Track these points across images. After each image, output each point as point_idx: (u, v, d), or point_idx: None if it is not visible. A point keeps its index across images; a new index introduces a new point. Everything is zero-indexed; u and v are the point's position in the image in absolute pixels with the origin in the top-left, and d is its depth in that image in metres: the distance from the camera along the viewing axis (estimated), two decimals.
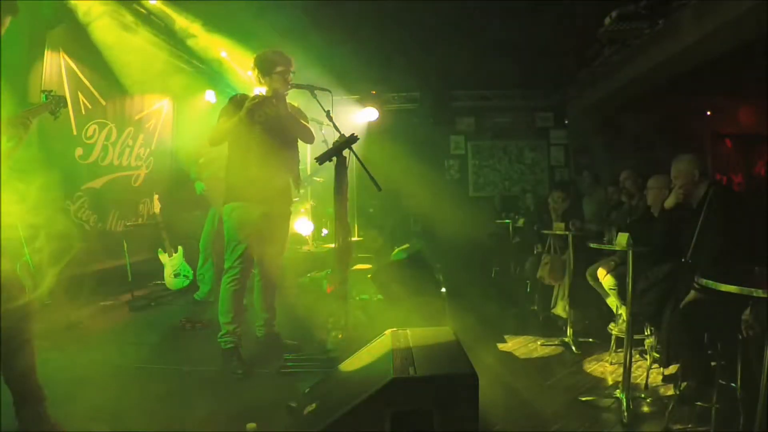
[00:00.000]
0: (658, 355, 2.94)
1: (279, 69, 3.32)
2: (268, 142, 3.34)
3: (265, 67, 3.35)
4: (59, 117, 2.49)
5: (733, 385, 2.33)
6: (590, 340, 4.06)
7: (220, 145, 3.42)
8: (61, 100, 2.45)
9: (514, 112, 9.53)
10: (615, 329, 3.68)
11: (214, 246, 5.16)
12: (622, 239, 2.84)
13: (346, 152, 2.93)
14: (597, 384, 3.17)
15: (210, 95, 7.08)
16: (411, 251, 5.75)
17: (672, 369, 3.04)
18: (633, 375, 2.85)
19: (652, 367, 3.17)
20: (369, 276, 4.74)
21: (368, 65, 7.43)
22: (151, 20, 5.80)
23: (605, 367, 3.47)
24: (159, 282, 5.65)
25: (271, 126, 3.34)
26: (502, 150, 9.64)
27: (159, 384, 3.07)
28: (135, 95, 6.03)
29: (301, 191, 7.45)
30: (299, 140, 3.57)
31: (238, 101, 3.34)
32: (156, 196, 5.55)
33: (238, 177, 3.33)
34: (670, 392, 2.77)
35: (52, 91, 2.46)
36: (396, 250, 6.16)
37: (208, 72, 6.96)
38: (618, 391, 2.79)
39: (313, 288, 5.73)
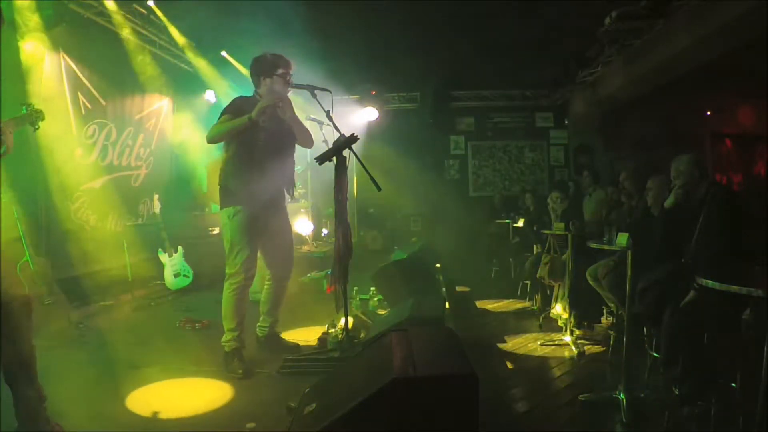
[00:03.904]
0: (658, 355, 2.94)
1: (280, 71, 3.32)
2: (271, 145, 3.33)
3: (265, 69, 3.33)
4: (38, 129, 2.51)
5: (733, 385, 2.33)
6: (590, 339, 4.06)
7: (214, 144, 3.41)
8: (39, 114, 2.49)
9: (514, 112, 9.54)
10: (614, 329, 3.68)
11: None
12: (622, 239, 2.84)
13: (346, 152, 2.93)
14: (597, 384, 3.17)
15: (210, 95, 7.10)
16: (411, 251, 5.76)
17: (671, 368, 3.04)
18: (633, 375, 2.85)
19: (652, 367, 3.16)
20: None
21: (368, 65, 7.44)
22: (150, 20, 5.81)
23: (605, 367, 3.47)
24: (159, 282, 5.65)
25: (275, 129, 3.32)
26: (502, 150, 9.65)
27: (158, 384, 3.07)
28: (135, 95, 6.03)
29: (302, 190, 7.47)
30: (298, 145, 3.56)
31: (242, 102, 3.32)
32: (156, 196, 5.55)
33: (240, 180, 3.27)
34: (670, 392, 2.77)
35: (31, 104, 2.49)
36: (396, 250, 6.17)
37: (208, 72, 6.97)
38: (618, 391, 2.79)
39: (313, 288, 5.73)
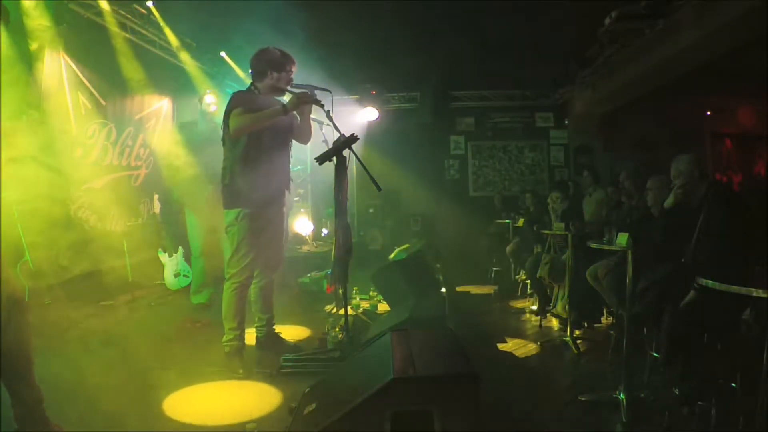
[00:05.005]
0: (658, 355, 2.95)
1: (288, 68, 3.33)
2: (276, 143, 3.32)
3: (276, 63, 3.30)
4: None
5: (733, 385, 2.33)
6: (590, 339, 4.06)
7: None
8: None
9: (514, 112, 9.54)
10: (614, 329, 3.68)
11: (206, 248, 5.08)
12: (622, 239, 2.85)
13: (346, 152, 2.93)
14: (597, 384, 3.17)
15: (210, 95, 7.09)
16: (411, 251, 5.77)
17: (671, 368, 3.04)
18: (633, 375, 2.85)
19: (652, 367, 3.17)
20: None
21: (368, 65, 7.44)
22: (151, 21, 5.80)
23: (605, 367, 3.47)
24: (159, 282, 5.64)
25: (278, 127, 3.31)
26: (502, 150, 9.65)
27: (159, 384, 3.07)
28: (135, 95, 6.03)
29: (301, 191, 7.46)
30: (294, 140, 3.55)
31: (247, 96, 3.30)
32: (156, 196, 5.55)
33: (248, 180, 3.23)
34: (670, 392, 2.78)
35: None
36: (396, 250, 6.17)
37: (208, 72, 6.97)
38: (618, 391, 2.79)
39: (313, 288, 5.74)
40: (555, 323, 4.56)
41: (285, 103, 3.20)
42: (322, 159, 2.95)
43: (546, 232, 4.76)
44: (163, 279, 5.53)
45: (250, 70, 3.46)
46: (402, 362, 2.08)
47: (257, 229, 3.28)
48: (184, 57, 6.43)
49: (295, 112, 3.30)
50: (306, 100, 3.15)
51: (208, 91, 5.19)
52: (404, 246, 6.53)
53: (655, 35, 5.61)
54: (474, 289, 6.55)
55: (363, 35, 6.17)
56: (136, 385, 3.03)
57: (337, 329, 3.43)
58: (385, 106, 8.91)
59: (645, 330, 3.33)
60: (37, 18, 4.38)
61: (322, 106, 3.20)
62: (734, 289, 1.96)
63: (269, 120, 3.16)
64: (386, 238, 8.77)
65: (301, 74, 3.47)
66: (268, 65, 3.32)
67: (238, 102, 3.23)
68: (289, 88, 3.34)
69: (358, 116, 8.36)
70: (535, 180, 9.47)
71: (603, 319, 4.37)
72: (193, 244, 5.05)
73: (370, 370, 2.30)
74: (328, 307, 4.95)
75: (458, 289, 6.45)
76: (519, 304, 5.55)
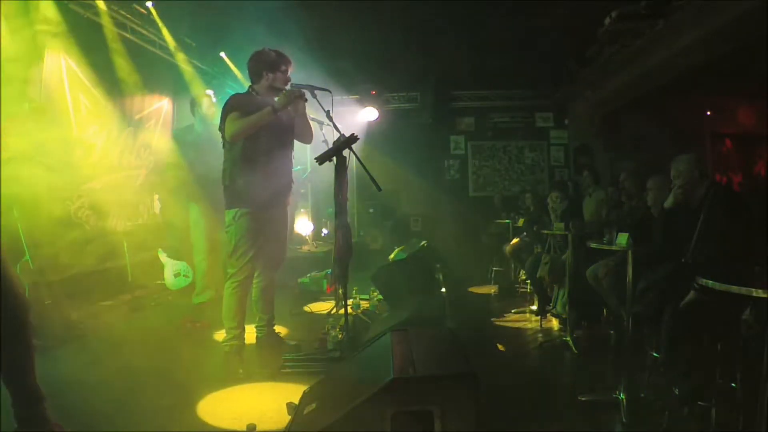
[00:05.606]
0: (658, 355, 2.95)
1: (283, 67, 3.33)
2: (275, 143, 3.32)
3: (270, 64, 3.31)
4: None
5: (733, 385, 2.33)
6: (590, 339, 4.06)
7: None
8: None
9: (514, 112, 9.54)
10: (614, 329, 3.67)
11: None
12: (622, 239, 2.85)
13: (346, 152, 2.93)
14: (597, 384, 3.17)
15: (210, 95, 7.09)
16: (411, 251, 5.77)
17: (671, 368, 3.04)
18: (633, 375, 2.85)
19: (652, 367, 3.16)
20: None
21: (368, 65, 7.45)
22: (151, 21, 5.81)
23: (605, 367, 3.47)
24: (159, 282, 5.64)
25: (277, 127, 3.31)
26: (502, 150, 9.65)
27: (158, 384, 3.07)
28: (135, 95, 6.03)
29: (302, 191, 7.46)
30: (297, 140, 3.55)
31: (243, 98, 3.30)
32: (156, 196, 5.54)
33: (246, 180, 3.24)
34: (670, 392, 2.78)
35: None
36: (396, 250, 6.17)
37: (208, 72, 6.97)
38: (618, 391, 2.79)
39: (313, 288, 5.74)
40: (555, 323, 4.56)
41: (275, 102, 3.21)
42: (322, 159, 2.95)
43: (546, 232, 4.76)
44: (163, 279, 5.53)
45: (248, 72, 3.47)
46: (402, 362, 2.08)
47: (256, 229, 3.28)
48: (184, 57, 6.43)
49: (290, 110, 3.30)
50: (295, 96, 3.16)
51: (207, 92, 5.20)
52: (404, 246, 6.53)
53: (655, 35, 5.60)
54: (474, 289, 6.54)
55: (363, 36, 6.18)
56: (136, 385, 3.03)
57: (337, 329, 3.43)
58: (385, 106, 8.91)
59: (645, 330, 3.33)
60: (37, 18, 4.38)
61: (306, 100, 3.20)
62: (734, 289, 1.96)
63: (262, 121, 3.15)
64: (386, 238, 8.78)
65: (301, 75, 3.47)
66: (263, 66, 3.33)
67: (233, 106, 3.23)
68: (287, 88, 3.34)
69: (358, 116, 8.36)
70: (535, 180, 9.46)
71: (603, 319, 4.37)
72: (197, 246, 5.06)
73: (370, 370, 2.30)
74: (306, 308, 4.97)
75: (459, 289, 6.45)
76: (519, 304, 5.54)
